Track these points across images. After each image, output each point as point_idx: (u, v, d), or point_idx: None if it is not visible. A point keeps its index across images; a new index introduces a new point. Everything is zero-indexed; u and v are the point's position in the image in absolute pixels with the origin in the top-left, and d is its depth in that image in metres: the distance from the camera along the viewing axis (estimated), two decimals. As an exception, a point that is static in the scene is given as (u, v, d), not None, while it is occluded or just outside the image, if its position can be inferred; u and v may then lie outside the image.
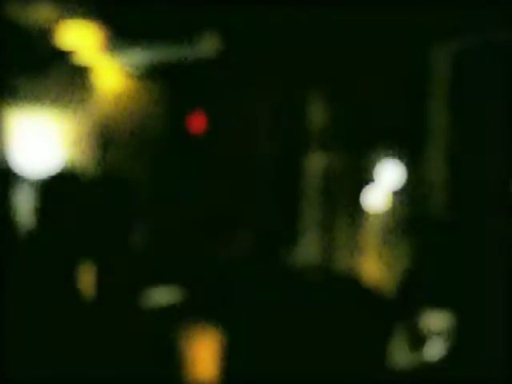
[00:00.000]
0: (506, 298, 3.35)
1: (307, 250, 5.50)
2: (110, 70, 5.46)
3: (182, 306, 4.15)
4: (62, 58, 4.87)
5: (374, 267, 5.11)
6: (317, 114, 5.63)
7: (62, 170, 4.92)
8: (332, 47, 4.71)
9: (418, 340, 3.09)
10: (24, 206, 4.60)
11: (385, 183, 5.15)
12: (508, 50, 3.83)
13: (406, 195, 4.98)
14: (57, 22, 4.26)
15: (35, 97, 4.95)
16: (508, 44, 3.84)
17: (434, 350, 3.03)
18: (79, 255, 4.62)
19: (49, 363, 3.75)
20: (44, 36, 4.53)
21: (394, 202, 5.12)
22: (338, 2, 3.64)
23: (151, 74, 5.69)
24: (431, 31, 4.24)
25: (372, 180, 5.21)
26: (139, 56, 4.71)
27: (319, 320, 3.79)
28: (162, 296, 4.25)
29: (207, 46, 4.24)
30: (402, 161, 5.05)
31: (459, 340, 3.01)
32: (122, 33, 4.37)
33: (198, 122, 6.12)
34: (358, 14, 3.87)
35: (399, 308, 3.41)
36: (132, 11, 4.01)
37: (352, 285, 4.37)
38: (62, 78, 5.14)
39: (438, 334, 3.04)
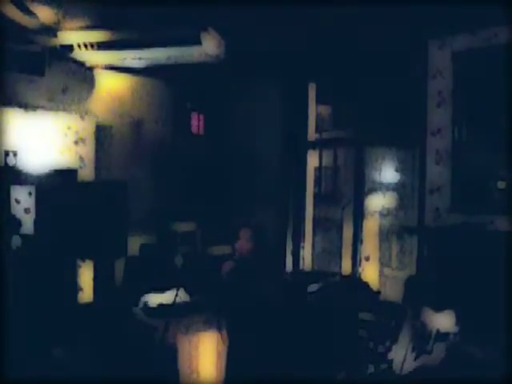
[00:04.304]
0: (507, 298, 3.35)
1: (307, 249, 5.50)
2: (110, 71, 5.46)
3: (183, 307, 4.15)
4: (62, 58, 4.86)
5: (376, 268, 5.11)
6: (317, 112, 5.64)
7: (61, 170, 4.92)
8: (332, 46, 4.71)
9: (421, 340, 3.09)
10: (23, 205, 4.60)
11: (385, 183, 5.15)
12: (508, 50, 3.83)
13: (406, 196, 4.97)
14: (57, 22, 4.26)
15: (35, 96, 4.95)
16: (508, 44, 3.84)
17: (437, 350, 3.03)
18: (77, 255, 4.63)
19: (48, 363, 3.76)
20: (44, 36, 4.52)
21: (394, 202, 5.12)
22: (339, 1, 3.64)
23: (151, 74, 5.69)
24: (432, 31, 4.24)
25: (372, 180, 5.21)
26: (140, 56, 4.70)
27: (321, 320, 3.78)
28: (161, 296, 4.25)
29: (207, 45, 4.24)
30: (402, 161, 5.05)
31: (461, 340, 3.01)
32: (122, 33, 4.36)
33: (197, 122, 6.12)
34: (359, 12, 3.86)
35: (403, 308, 3.40)
36: (132, 11, 4.01)
37: (355, 286, 4.36)
38: (62, 77, 5.14)
39: (441, 334, 3.04)
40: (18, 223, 4.46)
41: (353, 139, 5.20)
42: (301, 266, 5.38)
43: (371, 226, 5.15)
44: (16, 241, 4.37)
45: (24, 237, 4.44)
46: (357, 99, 5.12)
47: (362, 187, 5.05)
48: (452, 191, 4.17)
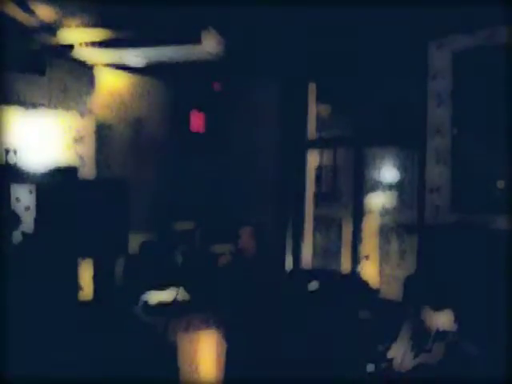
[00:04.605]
0: (507, 297, 3.36)
1: (307, 248, 5.51)
2: (110, 69, 5.46)
3: (183, 305, 4.15)
4: (62, 57, 4.87)
5: (376, 267, 5.12)
6: (317, 112, 5.64)
7: (61, 168, 4.93)
8: (332, 46, 4.71)
9: (421, 339, 3.10)
10: (23, 204, 4.60)
11: (385, 183, 5.16)
12: (508, 50, 3.83)
13: (406, 195, 4.98)
14: (58, 21, 4.26)
15: (35, 95, 4.95)
16: (508, 44, 3.84)
17: (437, 349, 3.03)
18: (77, 253, 4.63)
19: (48, 362, 3.76)
20: (45, 35, 4.52)
21: (393, 202, 5.13)
22: (339, 1, 3.64)
23: (151, 72, 5.69)
24: (432, 30, 4.24)
25: (372, 179, 5.22)
26: (140, 55, 4.71)
27: (321, 319, 3.79)
28: (161, 294, 4.26)
29: (207, 45, 4.24)
30: (402, 160, 5.06)
31: (461, 339, 3.02)
32: (122, 32, 4.37)
33: (198, 121, 6.12)
34: (359, 12, 3.86)
35: (403, 308, 3.41)
36: (133, 10, 4.01)
37: (355, 284, 4.37)
38: (62, 76, 5.14)
39: (441, 333, 3.04)
40: (17, 220, 4.47)
41: (353, 139, 5.20)
42: (301, 265, 5.39)
43: (371, 225, 5.16)
44: (17, 236, 4.38)
45: (24, 235, 4.44)
46: (357, 99, 5.12)
47: (361, 186, 5.06)
48: (452, 190, 4.17)
